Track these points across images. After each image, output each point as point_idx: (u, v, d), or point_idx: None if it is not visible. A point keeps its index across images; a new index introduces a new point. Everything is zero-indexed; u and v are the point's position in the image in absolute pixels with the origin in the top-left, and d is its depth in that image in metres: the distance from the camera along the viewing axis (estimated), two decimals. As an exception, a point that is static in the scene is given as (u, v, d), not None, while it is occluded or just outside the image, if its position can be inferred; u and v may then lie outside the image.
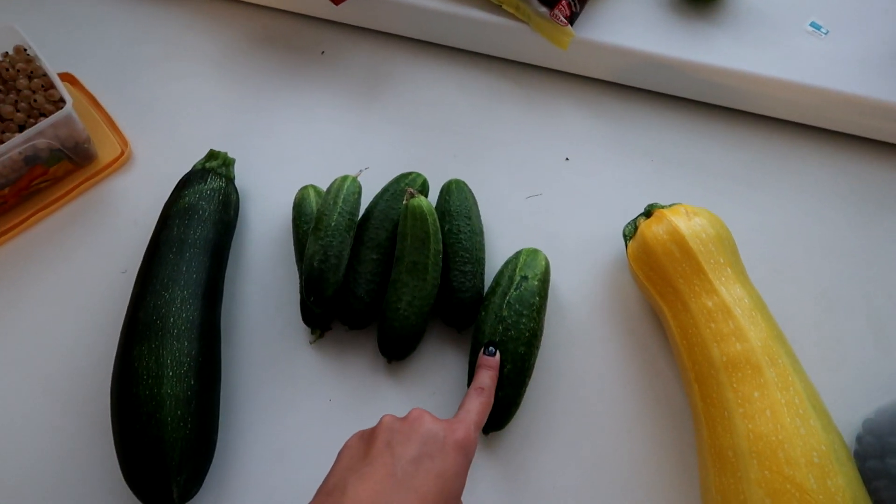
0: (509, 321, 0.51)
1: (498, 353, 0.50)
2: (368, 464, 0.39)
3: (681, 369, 0.51)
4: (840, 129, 0.64)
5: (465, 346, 0.55)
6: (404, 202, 0.53)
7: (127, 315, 0.51)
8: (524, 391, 0.51)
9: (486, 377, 0.48)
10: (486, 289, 0.56)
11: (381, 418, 0.42)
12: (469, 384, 0.50)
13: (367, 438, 0.41)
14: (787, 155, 0.64)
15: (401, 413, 0.44)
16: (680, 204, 0.55)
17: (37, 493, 0.50)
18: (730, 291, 0.49)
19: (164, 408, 0.46)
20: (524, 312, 0.51)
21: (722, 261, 0.51)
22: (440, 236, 0.54)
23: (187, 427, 0.47)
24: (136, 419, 0.46)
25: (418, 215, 0.52)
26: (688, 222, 0.52)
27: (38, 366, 0.54)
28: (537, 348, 0.52)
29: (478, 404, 0.46)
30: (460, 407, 0.46)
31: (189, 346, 0.49)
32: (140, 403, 0.46)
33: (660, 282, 0.52)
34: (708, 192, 0.62)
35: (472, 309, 0.54)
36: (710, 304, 0.49)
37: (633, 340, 0.55)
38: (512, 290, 0.52)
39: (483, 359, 0.50)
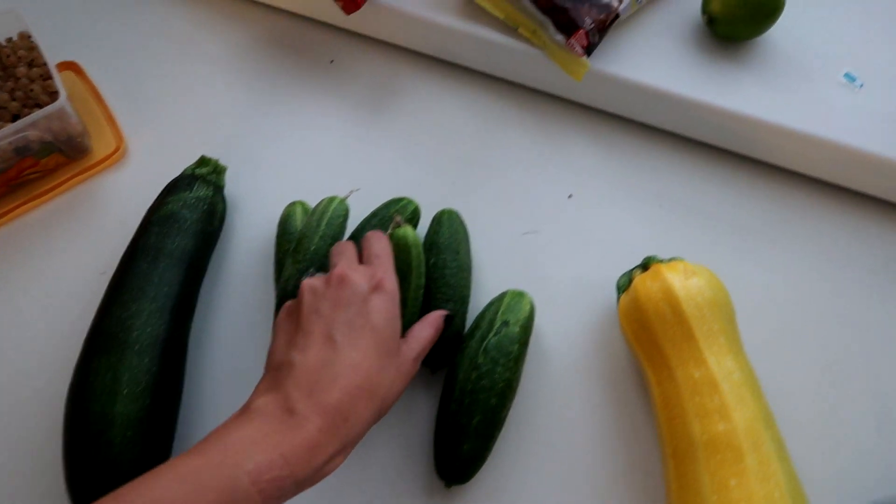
0: (484, 369, 0.48)
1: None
2: (304, 335, 0.41)
3: (660, 440, 0.48)
4: (866, 191, 0.60)
5: (436, 389, 0.52)
6: (389, 231, 0.51)
7: (92, 324, 0.50)
8: (493, 445, 0.49)
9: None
10: (467, 329, 0.53)
11: (301, 285, 0.44)
12: (445, 441, 0.48)
13: (293, 309, 0.44)
14: (805, 212, 0.60)
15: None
16: (680, 260, 0.52)
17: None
18: (720, 363, 0.46)
19: (114, 427, 0.45)
20: (500, 361, 0.49)
21: (716, 328, 0.47)
22: (423, 270, 0.51)
23: (136, 449, 0.45)
24: (85, 437, 0.45)
25: (402, 247, 0.50)
26: (684, 282, 0.49)
27: None
28: (511, 399, 0.50)
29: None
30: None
31: (150, 363, 0.47)
32: (90, 420, 0.45)
33: (648, 343, 0.49)
34: (715, 245, 0.58)
35: (448, 350, 0.51)
36: (696, 374, 0.46)
37: (615, 399, 0.52)
38: (490, 336, 0.50)
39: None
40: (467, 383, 0.48)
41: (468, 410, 0.47)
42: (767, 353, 0.49)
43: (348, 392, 0.39)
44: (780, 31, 0.61)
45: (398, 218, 0.51)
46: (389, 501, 0.49)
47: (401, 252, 0.50)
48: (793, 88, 0.59)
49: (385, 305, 0.43)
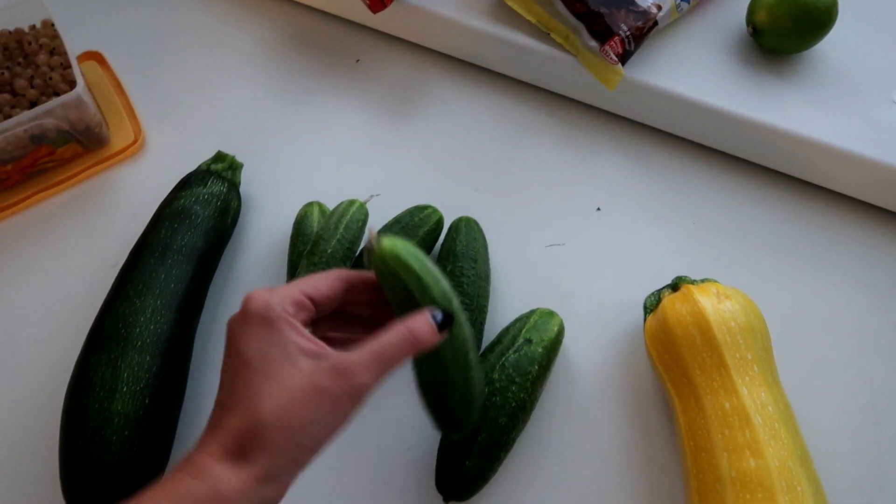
0: (497, 385, 0.46)
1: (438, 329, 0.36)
2: (225, 369, 0.35)
3: (684, 473, 0.45)
4: (916, 217, 0.56)
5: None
6: (365, 248, 0.41)
7: (96, 318, 0.48)
8: (498, 465, 0.46)
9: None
10: (486, 341, 0.51)
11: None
12: (448, 456, 0.45)
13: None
14: (849, 236, 0.56)
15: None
16: (712, 282, 0.48)
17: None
18: (752, 394, 0.43)
19: (111, 425, 0.43)
20: (516, 380, 0.46)
21: (749, 357, 0.44)
22: (431, 283, 0.37)
23: (133, 449, 0.43)
24: (81, 434, 0.43)
25: (385, 266, 0.37)
26: (716, 305, 0.46)
27: (2, 356, 0.52)
28: (523, 421, 0.47)
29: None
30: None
31: (151, 361, 0.46)
32: (87, 417, 0.43)
33: (674, 368, 0.46)
34: (750, 267, 0.55)
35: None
36: (727, 405, 0.43)
37: (637, 425, 0.49)
38: (510, 353, 0.47)
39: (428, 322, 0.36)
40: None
41: (475, 427, 0.45)
42: (804, 386, 0.46)
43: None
44: (829, 46, 0.58)
45: (371, 234, 0.37)
46: (392, 520, 0.47)
47: (386, 273, 0.37)
48: (840, 106, 0.56)
49: (239, 327, 0.35)
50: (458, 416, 0.40)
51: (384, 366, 0.34)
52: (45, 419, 0.49)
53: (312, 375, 0.33)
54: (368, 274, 0.39)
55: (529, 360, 0.47)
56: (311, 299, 0.36)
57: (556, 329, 0.49)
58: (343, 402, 0.33)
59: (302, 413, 0.32)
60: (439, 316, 0.36)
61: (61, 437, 0.44)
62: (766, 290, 0.52)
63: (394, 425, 0.50)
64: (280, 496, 0.33)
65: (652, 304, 0.50)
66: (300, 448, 0.32)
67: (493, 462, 0.45)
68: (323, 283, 0.37)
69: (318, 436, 0.33)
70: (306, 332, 0.35)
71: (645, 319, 0.50)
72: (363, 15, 0.65)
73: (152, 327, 0.47)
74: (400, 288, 0.37)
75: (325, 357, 0.34)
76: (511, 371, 0.46)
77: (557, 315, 0.50)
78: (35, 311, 0.54)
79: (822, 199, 0.58)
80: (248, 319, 0.34)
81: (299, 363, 0.33)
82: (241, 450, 0.32)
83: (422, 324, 0.35)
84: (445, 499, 0.46)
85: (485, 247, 0.53)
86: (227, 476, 0.31)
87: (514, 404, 0.45)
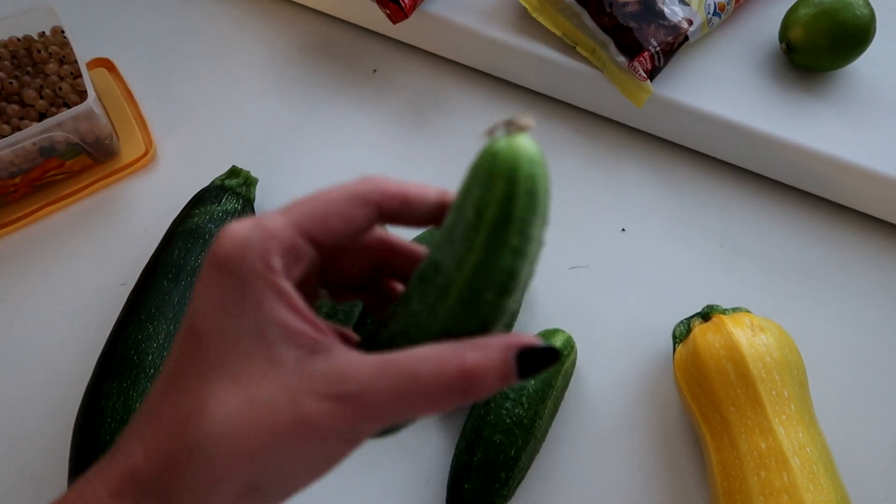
0: (492, 402, 0.45)
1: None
2: (173, 346, 0.24)
3: (715, 514, 0.43)
4: (954, 244, 0.54)
5: (455, 423, 0.48)
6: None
7: (106, 343, 0.46)
8: (502, 489, 0.44)
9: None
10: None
11: None
12: (451, 480, 0.43)
13: None
14: (886, 262, 0.54)
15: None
16: (745, 312, 0.47)
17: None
18: (790, 435, 0.41)
19: (123, 459, 0.41)
20: (510, 395, 0.45)
21: (786, 394, 0.42)
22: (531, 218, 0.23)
23: (145, 483, 0.42)
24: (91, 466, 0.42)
25: (488, 168, 0.23)
26: (751, 339, 0.44)
27: (8, 379, 0.51)
28: (525, 440, 0.45)
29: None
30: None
31: (164, 390, 0.44)
32: (98, 448, 0.42)
33: (707, 403, 0.44)
34: (780, 293, 0.53)
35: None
36: (763, 445, 0.41)
37: (664, 461, 0.48)
38: None
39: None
40: (476, 418, 0.45)
41: (471, 447, 0.45)
42: (841, 424, 0.44)
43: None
44: (866, 64, 0.56)
45: (513, 121, 0.23)
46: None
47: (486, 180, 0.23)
48: (877, 126, 0.54)
49: (204, 279, 0.22)
50: None
51: (411, 403, 0.21)
52: (53, 443, 0.48)
53: (299, 396, 0.20)
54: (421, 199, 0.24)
55: None
56: (314, 240, 0.23)
57: (558, 344, 0.48)
58: (336, 445, 0.21)
59: (268, 450, 0.20)
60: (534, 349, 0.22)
61: (70, 469, 0.43)
62: (798, 319, 0.50)
63: (412, 455, 0.48)
64: None
65: (682, 334, 0.48)
66: (249, 500, 0.21)
67: (493, 484, 0.44)
68: (335, 207, 0.24)
69: (283, 486, 0.21)
70: (298, 299, 0.22)
71: (674, 348, 0.48)
72: (382, 24, 0.63)
73: (165, 354, 0.45)
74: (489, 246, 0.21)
75: (323, 353, 0.21)
76: None
77: (563, 332, 0.49)
78: (43, 328, 0.53)
79: (857, 222, 0.56)
80: (212, 269, 0.22)
81: (280, 358, 0.21)
82: (155, 487, 0.21)
83: (490, 359, 0.21)
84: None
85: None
86: None
87: (508, 421, 0.44)
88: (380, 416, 0.21)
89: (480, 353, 0.21)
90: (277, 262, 0.22)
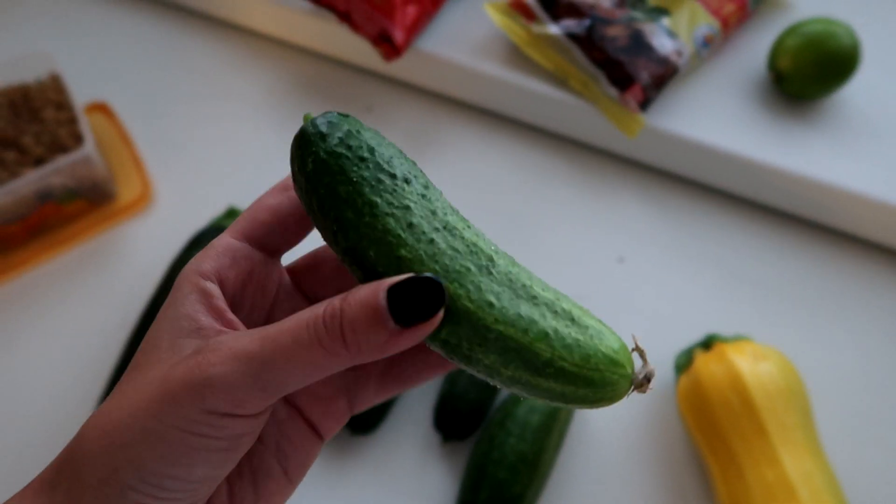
0: (496, 441, 0.45)
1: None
2: None
3: (725, 547, 0.43)
4: (950, 266, 0.55)
5: (458, 460, 0.47)
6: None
7: (105, 387, 0.46)
8: None
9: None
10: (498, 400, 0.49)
11: None
12: None
13: None
14: (884, 287, 0.55)
15: None
16: (746, 340, 0.47)
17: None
18: (796, 463, 0.41)
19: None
20: (514, 431, 0.45)
21: (790, 422, 0.42)
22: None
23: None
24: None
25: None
26: (753, 367, 0.44)
27: (7, 423, 0.50)
28: (531, 477, 0.45)
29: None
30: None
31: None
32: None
33: (712, 434, 0.44)
34: (781, 322, 0.53)
35: (470, 418, 0.47)
36: (770, 476, 0.41)
37: (671, 494, 0.47)
38: (507, 404, 0.47)
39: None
40: (479, 456, 0.45)
41: (476, 486, 0.44)
42: (847, 451, 0.44)
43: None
44: (854, 91, 0.57)
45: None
46: None
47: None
48: (866, 151, 0.55)
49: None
50: None
51: (270, 369, 0.20)
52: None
53: (172, 367, 0.21)
54: None
55: (527, 409, 0.45)
56: (249, 237, 0.25)
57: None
58: (198, 414, 0.20)
59: (129, 430, 0.21)
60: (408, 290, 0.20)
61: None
62: (799, 346, 0.50)
63: (413, 495, 0.47)
64: None
65: (683, 364, 0.48)
66: (118, 490, 0.20)
67: None
68: (262, 202, 0.26)
69: (175, 475, 0.21)
70: (219, 297, 0.23)
71: (677, 378, 0.48)
72: (375, 62, 0.64)
73: (165, 399, 0.45)
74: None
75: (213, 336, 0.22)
76: (508, 423, 0.45)
77: None
78: (41, 373, 0.52)
79: (853, 247, 0.56)
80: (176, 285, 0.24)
81: (181, 347, 0.22)
82: (55, 479, 0.22)
83: (355, 301, 0.21)
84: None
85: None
86: None
87: (512, 458, 0.44)
88: (229, 377, 0.20)
89: (345, 299, 0.21)
90: (208, 265, 0.24)
